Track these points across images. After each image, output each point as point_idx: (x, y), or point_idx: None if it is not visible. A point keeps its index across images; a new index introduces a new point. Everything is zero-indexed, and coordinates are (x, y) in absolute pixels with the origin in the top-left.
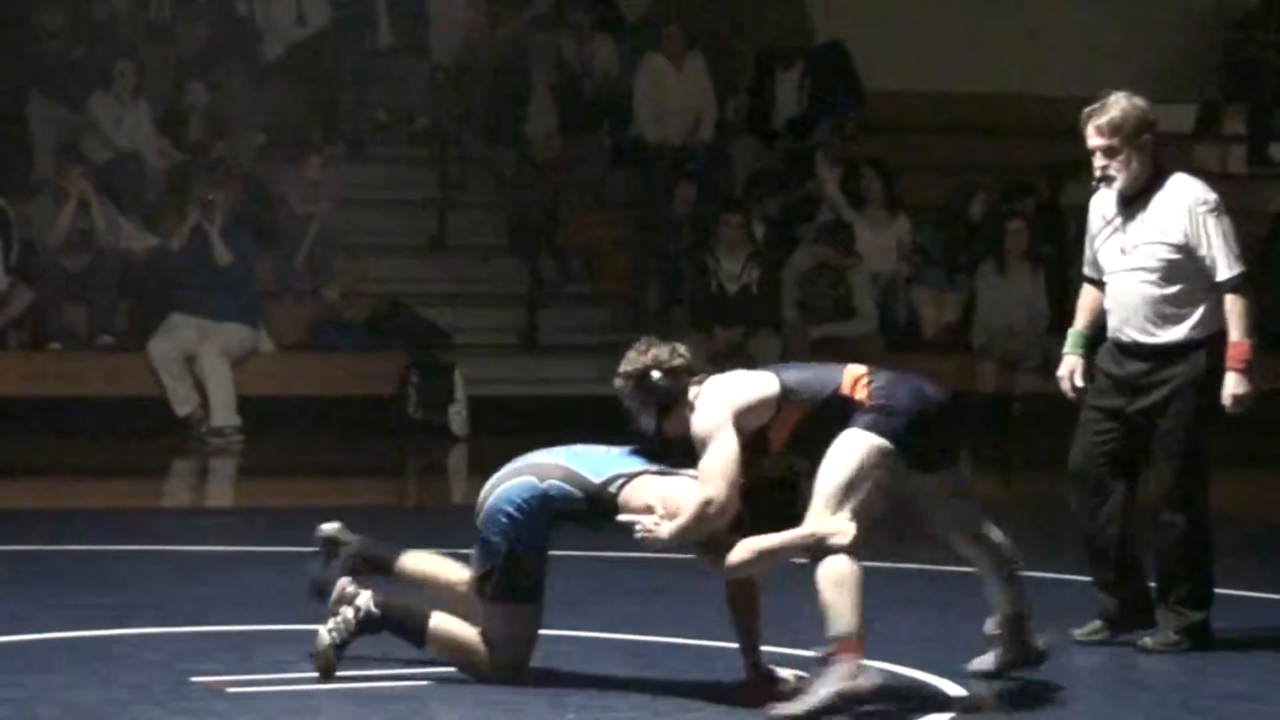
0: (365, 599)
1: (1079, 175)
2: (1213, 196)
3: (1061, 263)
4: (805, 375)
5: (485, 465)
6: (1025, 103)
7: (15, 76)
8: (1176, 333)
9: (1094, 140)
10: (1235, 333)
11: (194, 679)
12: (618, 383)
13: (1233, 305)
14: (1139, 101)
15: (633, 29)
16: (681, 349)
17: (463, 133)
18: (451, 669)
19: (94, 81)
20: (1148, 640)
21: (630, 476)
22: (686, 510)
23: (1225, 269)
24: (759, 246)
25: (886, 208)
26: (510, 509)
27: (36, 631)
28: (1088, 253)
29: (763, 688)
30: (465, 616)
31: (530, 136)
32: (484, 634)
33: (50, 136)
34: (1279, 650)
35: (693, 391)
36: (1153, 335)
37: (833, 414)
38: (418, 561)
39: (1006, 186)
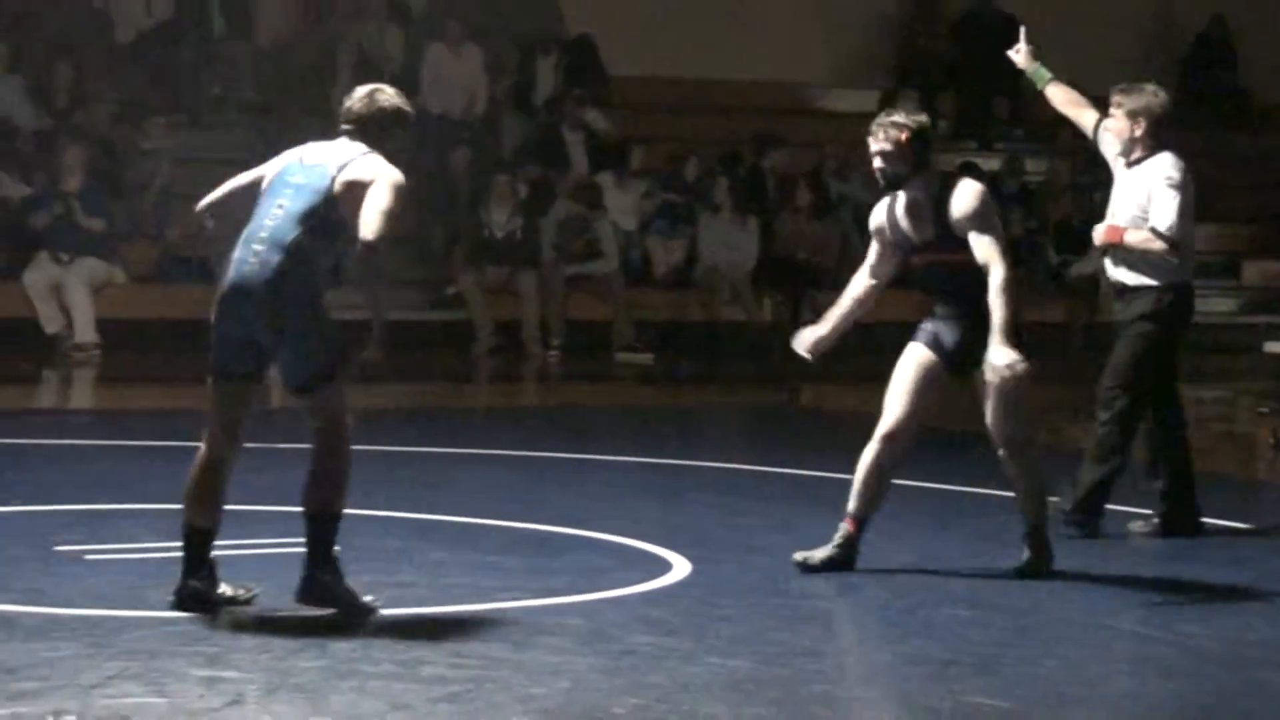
0: None
1: (778, 146)
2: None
3: (764, 214)
4: None
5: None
6: (738, 86)
7: None
8: None
9: None
10: None
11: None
12: (890, 131)
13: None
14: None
15: (418, 22)
16: None
17: (281, 106)
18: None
19: None
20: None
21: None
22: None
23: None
24: (522, 201)
25: (629, 173)
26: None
27: None
28: None
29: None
30: None
31: (336, 110)
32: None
33: None
34: None
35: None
36: None
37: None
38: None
39: (720, 154)
